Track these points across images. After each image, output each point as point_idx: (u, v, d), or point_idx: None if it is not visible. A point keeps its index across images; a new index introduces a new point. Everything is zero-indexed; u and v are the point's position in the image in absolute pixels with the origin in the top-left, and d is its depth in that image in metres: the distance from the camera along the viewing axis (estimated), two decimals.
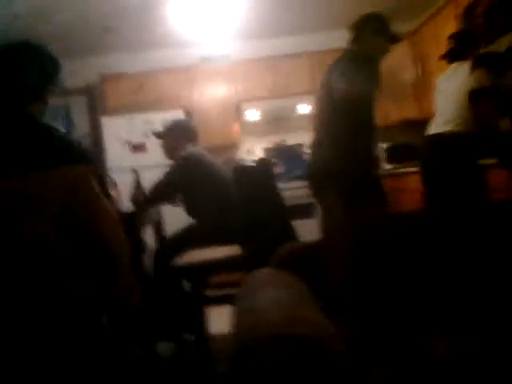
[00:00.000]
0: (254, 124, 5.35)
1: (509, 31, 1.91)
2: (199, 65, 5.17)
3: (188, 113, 5.02)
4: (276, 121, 5.34)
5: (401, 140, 5.01)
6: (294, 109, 5.15)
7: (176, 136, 3.08)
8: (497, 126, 1.82)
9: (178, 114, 4.74)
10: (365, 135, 2.46)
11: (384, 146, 5.01)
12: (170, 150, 3.09)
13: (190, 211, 3.04)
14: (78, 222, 1.52)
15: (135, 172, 2.89)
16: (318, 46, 5.15)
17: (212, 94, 5.09)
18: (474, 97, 1.89)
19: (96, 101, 5.27)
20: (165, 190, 2.92)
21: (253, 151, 5.37)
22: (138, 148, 4.57)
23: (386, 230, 1.47)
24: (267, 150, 4.96)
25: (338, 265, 1.36)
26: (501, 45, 1.85)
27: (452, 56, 3.28)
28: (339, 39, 5.17)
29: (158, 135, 3.18)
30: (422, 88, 4.79)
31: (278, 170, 4.76)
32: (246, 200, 2.34)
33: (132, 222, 2.66)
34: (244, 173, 2.50)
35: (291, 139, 5.35)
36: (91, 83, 5.26)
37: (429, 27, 4.61)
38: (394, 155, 4.87)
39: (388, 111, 4.88)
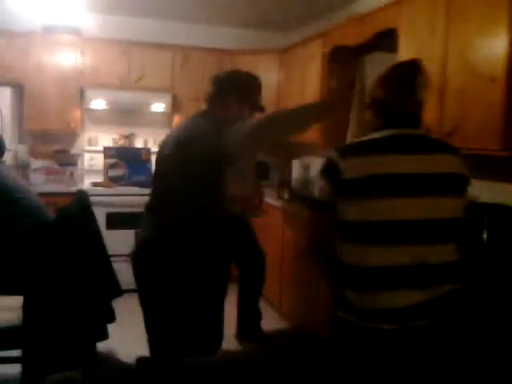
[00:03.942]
0: (100, 112, 4.74)
1: None
2: (40, 34, 4.37)
3: (19, 88, 4.26)
4: (125, 113, 4.80)
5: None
6: (146, 105, 4.66)
7: None
8: None
9: (5, 90, 4.00)
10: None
11: None
12: None
13: None
14: None
15: None
16: (185, 39, 4.73)
17: (52, 70, 4.33)
18: None
19: None
20: None
21: (96, 141, 4.77)
22: None
23: None
24: (108, 150, 4.40)
25: None
26: None
27: None
28: (211, 36, 4.85)
29: None
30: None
31: (120, 172, 4.28)
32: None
33: None
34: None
35: (141, 134, 4.87)
36: None
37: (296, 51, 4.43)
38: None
39: None
